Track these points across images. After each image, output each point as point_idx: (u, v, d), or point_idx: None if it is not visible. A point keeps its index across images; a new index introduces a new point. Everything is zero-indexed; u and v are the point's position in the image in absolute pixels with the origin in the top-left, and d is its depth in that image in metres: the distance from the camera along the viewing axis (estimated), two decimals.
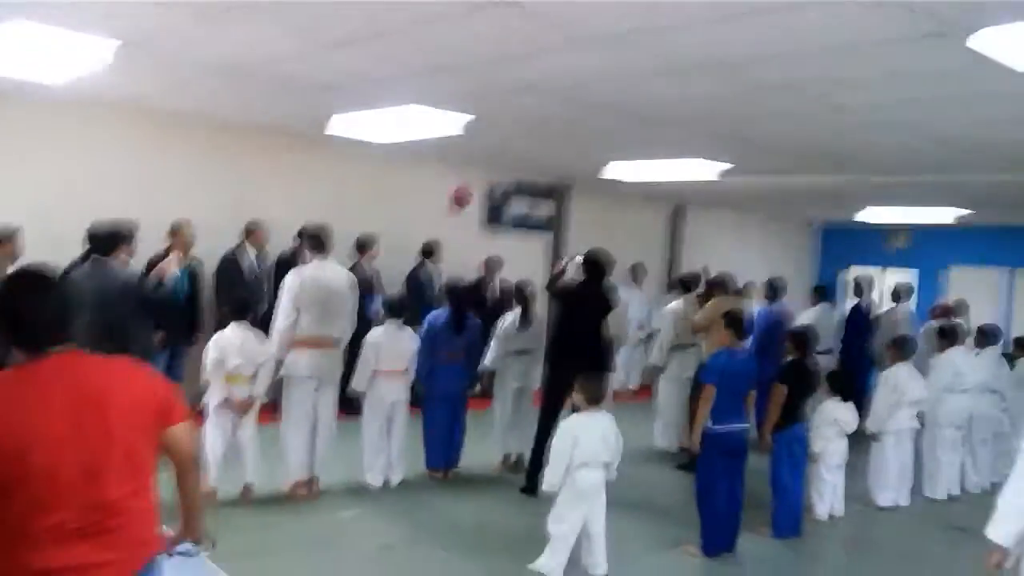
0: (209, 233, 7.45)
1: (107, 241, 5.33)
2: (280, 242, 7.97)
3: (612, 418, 4.82)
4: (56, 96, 6.92)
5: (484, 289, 9.26)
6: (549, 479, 4.66)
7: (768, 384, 5.72)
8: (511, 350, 6.84)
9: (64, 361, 2.19)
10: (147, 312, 5.66)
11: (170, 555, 2.42)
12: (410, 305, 6.70)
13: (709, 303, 7.29)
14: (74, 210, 6.16)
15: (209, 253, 7.56)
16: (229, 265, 7.66)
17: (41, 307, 2.20)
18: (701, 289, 7.91)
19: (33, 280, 2.27)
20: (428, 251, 9.01)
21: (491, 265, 9.51)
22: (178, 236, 7.10)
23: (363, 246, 8.38)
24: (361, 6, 3.96)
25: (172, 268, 5.89)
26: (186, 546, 2.50)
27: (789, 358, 5.92)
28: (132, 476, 2.25)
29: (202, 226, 7.32)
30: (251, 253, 7.77)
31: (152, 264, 6.81)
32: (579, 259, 6.50)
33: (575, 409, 4.85)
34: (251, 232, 7.78)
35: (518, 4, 3.72)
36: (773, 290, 8.84)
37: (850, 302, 10.11)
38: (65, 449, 2.10)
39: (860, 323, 9.44)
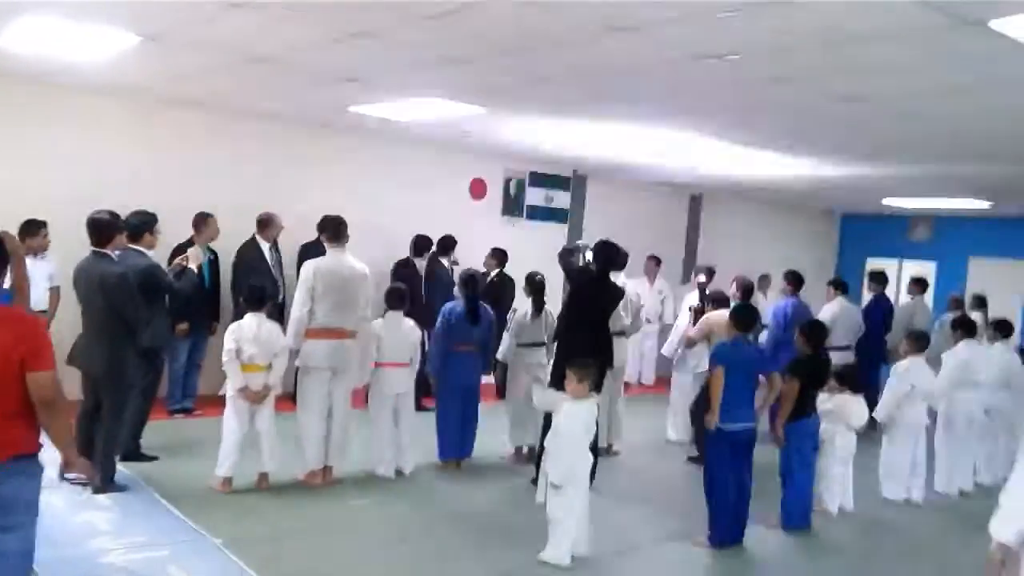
0: (231, 223, 7.60)
1: (101, 231, 5.38)
2: (305, 233, 8.01)
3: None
4: (78, 85, 7.08)
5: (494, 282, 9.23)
6: (562, 470, 4.70)
7: (783, 377, 5.74)
8: (523, 342, 6.89)
9: None
10: (161, 300, 5.79)
11: (62, 478, 3.15)
12: (411, 297, 6.67)
13: (702, 318, 7.33)
14: (98, 200, 6.22)
15: (231, 243, 7.70)
16: (247, 256, 7.75)
17: None
18: (695, 303, 7.90)
19: None
20: (443, 247, 9.04)
21: (497, 256, 9.42)
22: (203, 227, 7.25)
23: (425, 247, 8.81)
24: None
25: (194, 259, 5.99)
26: (72, 474, 3.21)
27: (801, 352, 5.94)
28: None
29: (224, 216, 7.47)
30: (264, 245, 7.85)
31: (176, 253, 6.97)
32: (588, 253, 6.51)
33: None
34: (262, 224, 7.86)
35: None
36: (792, 283, 8.78)
37: (867, 295, 9.99)
38: None
39: (879, 317, 9.37)
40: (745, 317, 5.54)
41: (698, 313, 7.62)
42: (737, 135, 7.31)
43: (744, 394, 5.30)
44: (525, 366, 6.89)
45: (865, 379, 6.92)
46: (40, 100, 7.18)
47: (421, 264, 8.78)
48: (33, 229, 6.42)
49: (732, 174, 9.60)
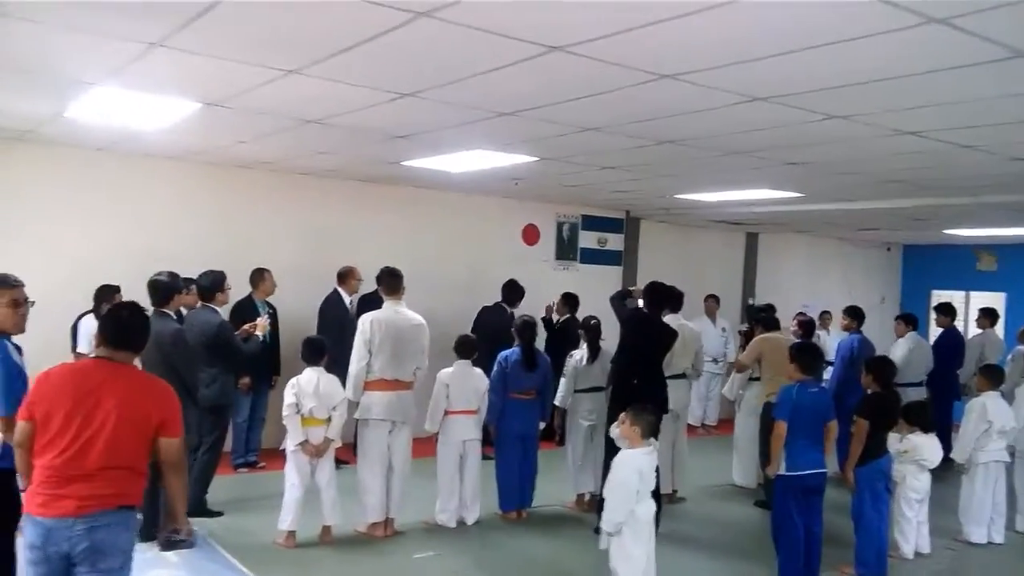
0: (291, 277, 7.78)
1: (159, 292, 5.53)
2: (363, 284, 8.03)
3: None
4: (141, 151, 7.36)
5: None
6: (614, 518, 4.54)
7: (851, 417, 5.58)
8: (581, 387, 6.83)
9: (102, 363, 3.20)
10: (225, 359, 5.98)
11: (170, 544, 3.40)
12: (479, 344, 6.72)
13: (752, 341, 7.20)
14: (166, 260, 6.40)
15: (295, 296, 7.91)
16: (331, 306, 7.87)
17: (108, 322, 3.31)
18: (744, 326, 7.79)
19: (117, 305, 3.50)
20: (510, 297, 8.82)
21: (567, 301, 9.33)
22: (260, 283, 7.47)
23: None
24: (425, 59, 4.10)
25: (261, 328, 6.26)
26: (174, 533, 3.36)
27: (868, 390, 5.77)
28: (111, 455, 3.06)
29: (287, 270, 7.68)
30: (346, 297, 7.98)
31: (236, 310, 7.12)
32: (640, 298, 6.45)
33: (609, 439, 4.80)
34: (342, 276, 8.01)
35: (576, 53, 3.80)
36: (853, 318, 8.59)
37: (934, 328, 9.70)
38: (71, 420, 3.04)
39: (949, 351, 9.09)
40: (809, 359, 5.36)
41: (747, 337, 7.49)
42: (789, 179, 7.24)
43: (812, 439, 5.13)
44: (583, 412, 6.82)
45: (939, 416, 6.69)
46: (107, 167, 7.48)
47: (512, 312, 8.54)
48: (108, 294, 6.60)
49: (790, 209, 9.47)
